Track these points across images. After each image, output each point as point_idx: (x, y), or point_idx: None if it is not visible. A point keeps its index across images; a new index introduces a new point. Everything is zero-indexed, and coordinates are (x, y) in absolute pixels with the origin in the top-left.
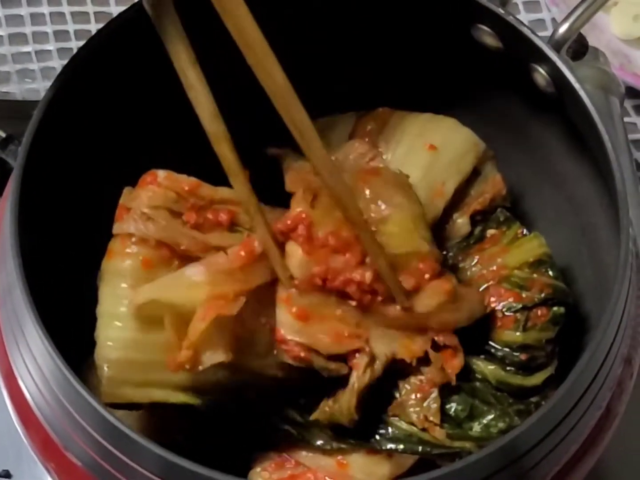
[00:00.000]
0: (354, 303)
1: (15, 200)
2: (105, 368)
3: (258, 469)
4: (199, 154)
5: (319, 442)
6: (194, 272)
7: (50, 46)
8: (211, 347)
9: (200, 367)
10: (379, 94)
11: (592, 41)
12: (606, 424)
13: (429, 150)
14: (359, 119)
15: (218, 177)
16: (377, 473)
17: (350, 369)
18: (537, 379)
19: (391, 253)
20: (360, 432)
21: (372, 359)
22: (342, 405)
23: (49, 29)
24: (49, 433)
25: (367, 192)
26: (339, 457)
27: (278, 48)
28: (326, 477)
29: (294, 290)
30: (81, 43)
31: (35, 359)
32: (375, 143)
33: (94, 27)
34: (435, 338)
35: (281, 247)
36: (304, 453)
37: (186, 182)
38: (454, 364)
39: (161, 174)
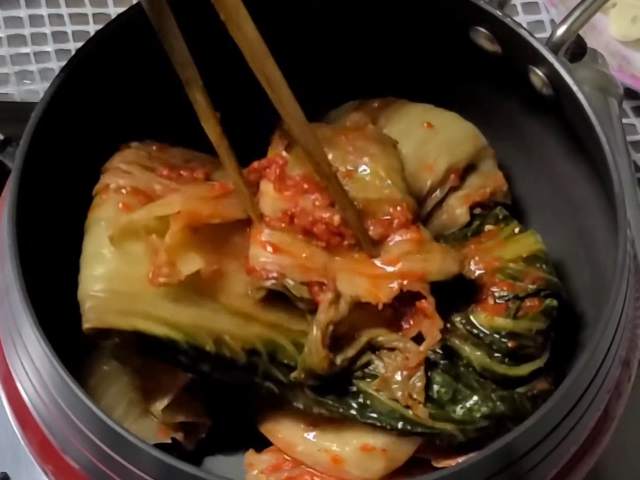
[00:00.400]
0: (322, 244)
1: (13, 202)
2: (89, 298)
3: (255, 472)
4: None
5: (300, 405)
6: (169, 198)
7: (49, 47)
8: (187, 255)
9: (179, 277)
10: (377, 93)
11: (590, 43)
12: (604, 425)
13: (426, 128)
14: (366, 100)
15: None
16: (372, 468)
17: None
18: (523, 370)
19: (362, 197)
20: (342, 402)
21: (337, 296)
22: (310, 346)
23: (47, 30)
24: (46, 435)
25: (345, 143)
26: (334, 452)
27: (281, 46)
28: (323, 475)
29: (264, 227)
30: (79, 44)
31: (32, 361)
32: (376, 118)
33: (92, 28)
34: (403, 285)
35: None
36: (300, 448)
37: (155, 144)
38: (431, 327)
39: (133, 143)
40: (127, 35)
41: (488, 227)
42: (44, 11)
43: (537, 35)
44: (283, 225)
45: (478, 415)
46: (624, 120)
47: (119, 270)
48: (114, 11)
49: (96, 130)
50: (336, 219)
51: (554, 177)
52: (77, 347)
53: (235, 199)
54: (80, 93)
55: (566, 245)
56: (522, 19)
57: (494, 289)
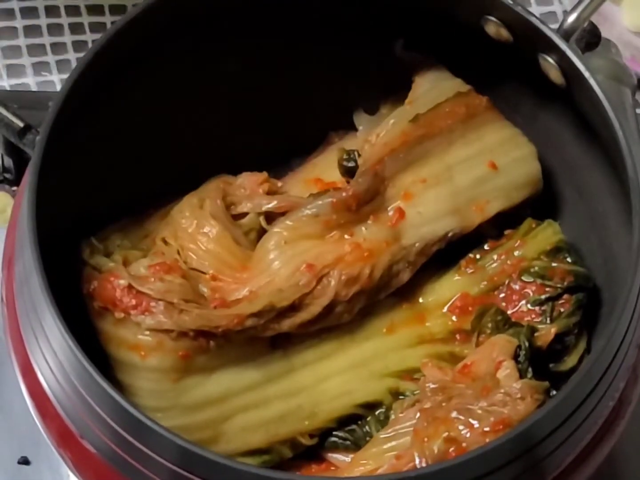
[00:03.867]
0: None
1: (32, 189)
2: None
3: None
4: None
5: None
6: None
7: (66, 39)
8: None
9: None
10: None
11: (603, 33)
12: (621, 410)
13: (488, 167)
14: (460, 93)
15: None
16: None
17: None
18: (572, 360)
19: None
20: None
21: None
22: None
23: (64, 21)
24: (65, 421)
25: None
26: None
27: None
28: None
29: None
30: (96, 36)
31: (52, 348)
32: (452, 127)
33: (108, 19)
34: None
35: None
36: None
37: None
38: None
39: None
40: (145, 25)
41: (507, 231)
42: (60, 2)
43: (550, 26)
44: None
45: None
46: (638, 110)
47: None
48: (130, 2)
49: (115, 120)
50: None
51: (566, 164)
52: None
53: None
54: (100, 82)
55: (578, 232)
56: (535, 10)
57: (526, 291)
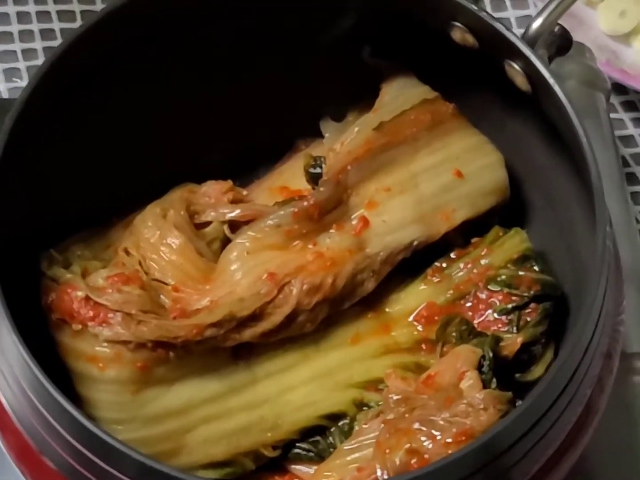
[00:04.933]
0: None
1: None
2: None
3: None
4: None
5: None
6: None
7: (37, 45)
8: None
9: None
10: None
11: (579, 37)
12: (587, 419)
13: (454, 175)
14: (426, 100)
15: None
16: None
17: None
18: (539, 370)
19: None
20: None
21: None
22: None
23: (35, 27)
24: (24, 436)
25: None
26: None
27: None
28: None
29: None
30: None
31: (8, 362)
32: (417, 134)
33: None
34: None
35: None
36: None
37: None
38: None
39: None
40: (100, 37)
41: (474, 240)
42: (31, 8)
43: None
44: None
45: None
46: (613, 115)
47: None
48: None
49: (75, 130)
50: None
51: (534, 172)
52: (53, 348)
53: None
54: (58, 93)
55: (546, 239)
56: (511, 14)
57: (492, 300)
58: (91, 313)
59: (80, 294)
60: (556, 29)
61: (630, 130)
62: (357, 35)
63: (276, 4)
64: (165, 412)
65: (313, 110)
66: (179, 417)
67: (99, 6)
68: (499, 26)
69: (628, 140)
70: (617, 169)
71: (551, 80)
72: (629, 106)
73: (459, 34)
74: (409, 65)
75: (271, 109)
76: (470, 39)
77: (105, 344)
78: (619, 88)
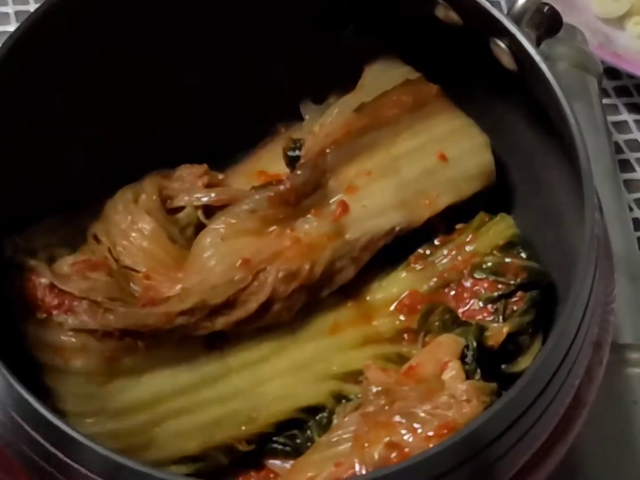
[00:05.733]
0: None
1: None
2: None
3: None
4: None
5: None
6: None
7: None
8: None
9: None
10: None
11: (571, 20)
12: (576, 412)
13: (437, 159)
14: (409, 81)
15: None
16: None
17: None
18: (526, 361)
19: None
20: None
21: None
22: None
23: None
24: None
25: None
26: None
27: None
28: None
29: None
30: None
31: None
32: (399, 116)
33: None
34: None
35: None
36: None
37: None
38: None
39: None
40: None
41: (458, 226)
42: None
43: None
44: None
45: None
46: (606, 101)
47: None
48: None
49: (41, 113)
50: None
51: (521, 156)
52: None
53: None
54: (21, 75)
55: (534, 225)
56: None
57: (477, 289)
58: (56, 301)
59: (44, 281)
60: (545, 9)
61: (624, 115)
62: (338, 15)
63: None
64: (134, 404)
65: (294, 93)
66: (148, 409)
67: None
68: (483, 2)
69: (622, 126)
70: (609, 155)
71: (537, 58)
72: (622, 91)
73: (443, 11)
74: (392, 46)
75: (249, 91)
76: (454, 16)
77: (70, 333)
78: (612, 73)
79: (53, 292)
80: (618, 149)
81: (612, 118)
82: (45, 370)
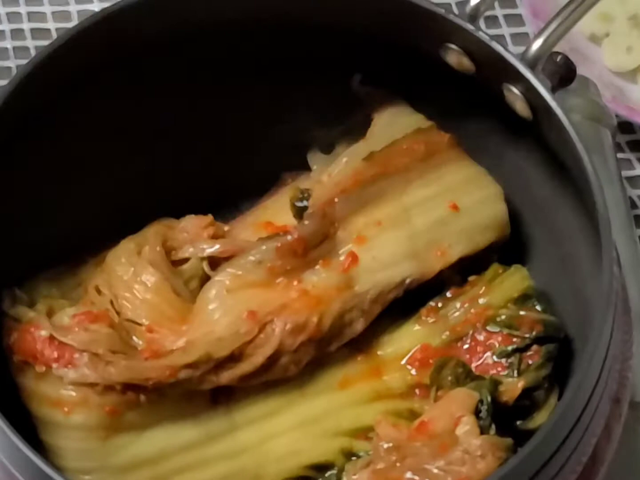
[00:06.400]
0: None
1: None
2: None
3: None
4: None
5: None
6: None
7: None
8: None
9: None
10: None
11: (583, 73)
12: (593, 469)
13: (449, 208)
14: (420, 130)
15: None
16: None
17: None
18: (542, 417)
19: None
20: None
21: None
22: None
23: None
24: None
25: None
26: None
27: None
28: None
29: None
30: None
31: None
32: (410, 165)
33: (52, 25)
34: None
35: None
36: None
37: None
38: None
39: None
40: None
41: (471, 278)
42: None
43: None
44: None
45: None
46: (620, 155)
47: None
48: (74, 9)
49: (43, 160)
50: None
51: (536, 205)
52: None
53: None
54: (24, 120)
55: (548, 276)
56: (505, 31)
57: (491, 342)
58: (56, 354)
59: (44, 333)
60: (558, 58)
61: (638, 170)
62: (345, 62)
63: (263, 30)
64: (136, 460)
65: (300, 143)
66: (151, 466)
67: (72, 7)
68: (497, 47)
69: (636, 181)
70: (624, 209)
71: (553, 104)
72: (636, 145)
73: (455, 57)
74: (402, 94)
75: (255, 141)
76: (466, 62)
77: (70, 387)
78: (626, 127)
79: (53, 344)
80: (633, 204)
81: (626, 173)
82: (43, 425)
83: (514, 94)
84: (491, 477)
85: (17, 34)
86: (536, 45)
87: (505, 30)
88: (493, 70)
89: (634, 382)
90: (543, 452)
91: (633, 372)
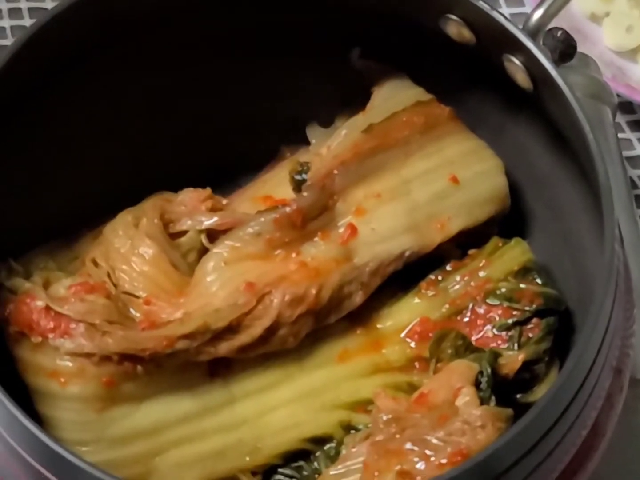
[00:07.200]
0: None
1: None
2: None
3: None
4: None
5: None
6: None
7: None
8: None
9: None
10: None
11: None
12: (594, 443)
13: (449, 181)
14: (420, 103)
15: None
16: None
17: None
18: (542, 390)
19: None
20: None
21: None
22: None
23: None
24: None
25: None
26: None
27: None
28: None
29: None
30: None
31: None
32: (409, 138)
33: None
34: None
35: None
36: None
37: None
38: None
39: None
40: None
41: (471, 251)
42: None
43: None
44: None
45: None
46: (620, 135)
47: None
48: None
49: (40, 134)
50: None
51: (536, 179)
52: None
53: None
54: (23, 92)
55: (550, 251)
56: (505, 11)
57: (491, 315)
58: (52, 324)
59: (39, 303)
60: (559, 33)
61: (639, 150)
62: (345, 36)
63: (262, 3)
64: (133, 432)
65: (299, 116)
66: (148, 438)
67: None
68: (498, 17)
69: (636, 161)
70: (625, 188)
71: (554, 73)
72: (636, 125)
73: (455, 28)
74: (402, 67)
75: (253, 115)
76: (466, 33)
77: (67, 358)
78: (626, 107)
79: (49, 315)
80: (633, 184)
81: (626, 153)
82: (39, 396)
83: (514, 64)
84: (491, 447)
85: (14, 13)
86: (537, 15)
87: (505, 11)
88: (493, 40)
89: (634, 360)
90: (543, 422)
91: (634, 350)
